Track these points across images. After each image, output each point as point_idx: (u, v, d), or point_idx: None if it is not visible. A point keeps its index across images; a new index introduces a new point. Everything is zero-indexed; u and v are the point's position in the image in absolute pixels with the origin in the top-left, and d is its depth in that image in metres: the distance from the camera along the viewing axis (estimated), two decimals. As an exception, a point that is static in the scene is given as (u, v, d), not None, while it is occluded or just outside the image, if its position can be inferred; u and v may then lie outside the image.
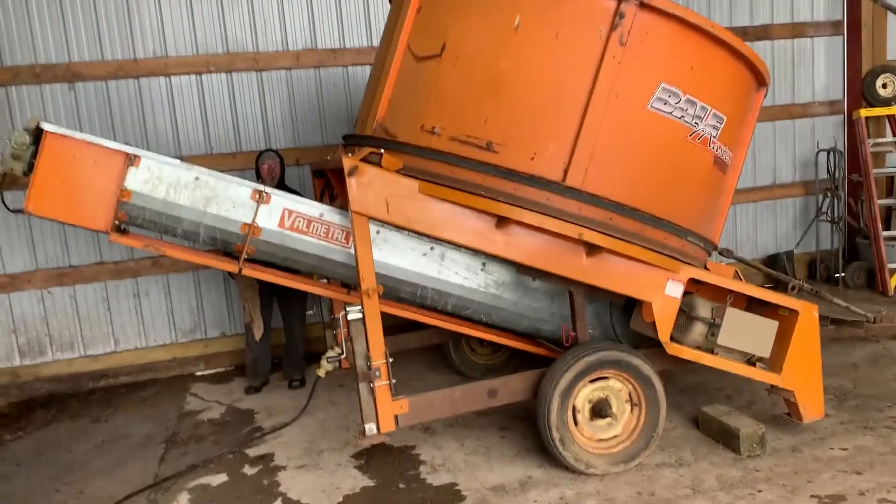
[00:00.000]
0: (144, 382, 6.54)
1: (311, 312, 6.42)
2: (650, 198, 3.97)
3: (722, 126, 4.12)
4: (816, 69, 8.42)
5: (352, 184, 3.80)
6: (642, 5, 3.75)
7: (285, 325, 6.17)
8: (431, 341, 5.72)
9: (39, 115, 6.17)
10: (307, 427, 5.14)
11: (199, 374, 6.69)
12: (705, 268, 4.55)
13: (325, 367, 4.55)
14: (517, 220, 3.81)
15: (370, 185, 3.82)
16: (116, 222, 4.04)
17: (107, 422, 5.65)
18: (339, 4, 6.84)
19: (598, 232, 3.83)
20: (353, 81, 6.91)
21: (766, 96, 4.65)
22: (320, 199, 5.18)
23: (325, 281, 4.71)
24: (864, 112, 7.99)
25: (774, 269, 8.01)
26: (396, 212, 3.86)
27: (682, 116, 3.94)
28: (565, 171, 3.77)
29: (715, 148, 4.15)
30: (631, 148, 3.89)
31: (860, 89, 8.07)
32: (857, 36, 8.23)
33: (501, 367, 5.85)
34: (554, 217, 3.77)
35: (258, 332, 5.93)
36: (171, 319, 6.73)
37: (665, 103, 3.88)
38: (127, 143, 4.11)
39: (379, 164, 3.86)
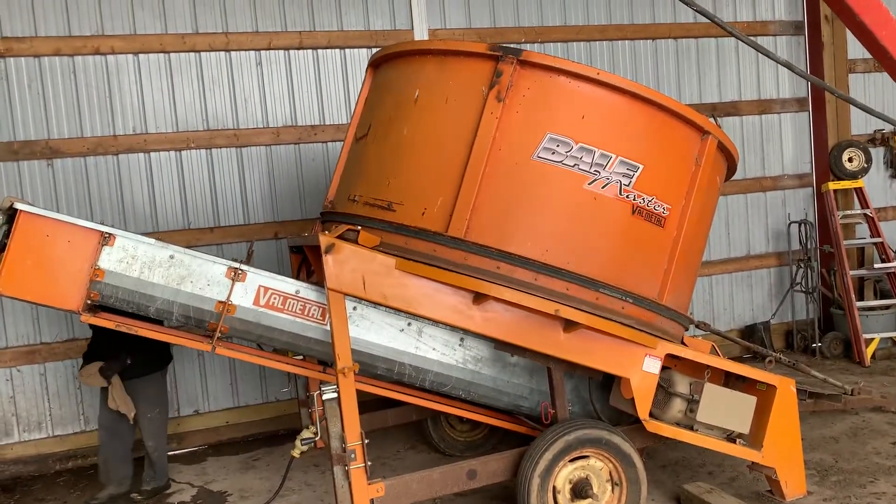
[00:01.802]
0: (114, 463, 6.32)
1: (286, 390, 6.30)
2: (546, 246, 3.89)
3: (637, 174, 3.98)
4: (785, 143, 8.66)
5: (328, 261, 3.79)
6: (522, 62, 3.87)
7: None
8: (409, 418, 5.61)
9: (17, 191, 6.14)
10: (281, 510, 4.99)
11: (170, 453, 6.47)
12: (682, 342, 4.55)
13: (299, 447, 4.44)
14: (495, 296, 3.80)
15: (346, 262, 3.82)
16: (88, 301, 3.99)
17: (72, 506, 5.45)
18: (319, 82, 6.98)
19: (557, 302, 3.81)
20: (333, 157, 6.99)
21: (716, 145, 4.23)
22: (297, 275, 5.15)
23: (301, 358, 4.65)
24: (833, 185, 8.19)
25: (752, 339, 8.05)
26: (373, 288, 3.85)
27: (575, 165, 3.90)
28: (448, 223, 3.85)
29: (632, 197, 3.99)
30: (517, 198, 3.90)
31: (827, 163, 8.27)
32: (822, 112, 8.51)
33: (481, 443, 5.73)
34: (529, 293, 3.78)
35: (122, 410, 5.03)
36: (144, 397, 6.55)
37: (553, 153, 3.88)
38: (103, 220, 4.10)
39: (356, 241, 3.88)
